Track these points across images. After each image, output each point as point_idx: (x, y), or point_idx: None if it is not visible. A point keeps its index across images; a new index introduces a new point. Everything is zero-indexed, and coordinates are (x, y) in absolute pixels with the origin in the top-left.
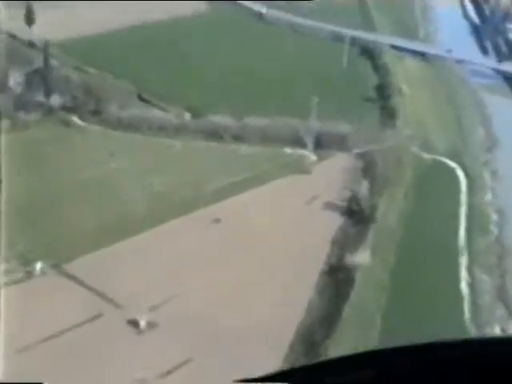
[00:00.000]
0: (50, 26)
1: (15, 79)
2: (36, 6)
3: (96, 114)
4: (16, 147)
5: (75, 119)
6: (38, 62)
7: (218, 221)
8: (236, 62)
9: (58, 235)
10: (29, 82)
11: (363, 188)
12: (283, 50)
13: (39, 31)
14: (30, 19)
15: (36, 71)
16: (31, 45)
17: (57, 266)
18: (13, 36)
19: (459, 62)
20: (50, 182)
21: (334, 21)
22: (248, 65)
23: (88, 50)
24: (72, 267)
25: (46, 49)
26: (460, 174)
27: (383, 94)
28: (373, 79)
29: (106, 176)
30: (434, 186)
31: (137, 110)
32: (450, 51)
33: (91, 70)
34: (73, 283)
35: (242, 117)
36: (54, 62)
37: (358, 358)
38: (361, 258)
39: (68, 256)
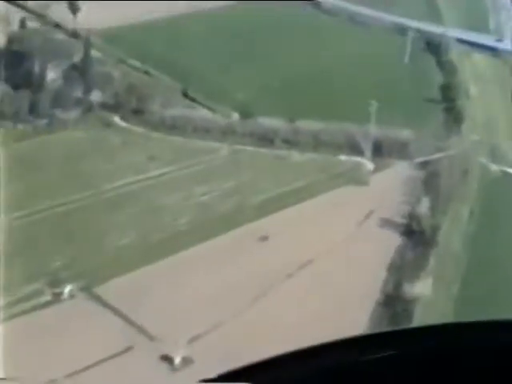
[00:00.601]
0: (95, 12)
1: (54, 74)
2: None
3: (138, 113)
4: (53, 149)
5: (116, 119)
6: (80, 55)
7: (265, 238)
8: (290, 57)
9: (92, 252)
10: (67, 77)
11: (425, 204)
12: (341, 43)
13: (84, 18)
14: (74, 6)
15: (75, 65)
16: (74, 35)
17: (87, 289)
18: (56, 25)
19: None
20: (86, 192)
21: (396, 10)
22: (302, 60)
23: (133, 40)
24: (103, 290)
25: (87, 41)
26: None
27: (448, 95)
28: (438, 78)
29: (145, 184)
30: (502, 203)
31: (181, 110)
32: (499, 41)
33: (136, 63)
34: (103, 309)
35: (295, 120)
36: (96, 54)
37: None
38: (421, 287)
39: (100, 277)
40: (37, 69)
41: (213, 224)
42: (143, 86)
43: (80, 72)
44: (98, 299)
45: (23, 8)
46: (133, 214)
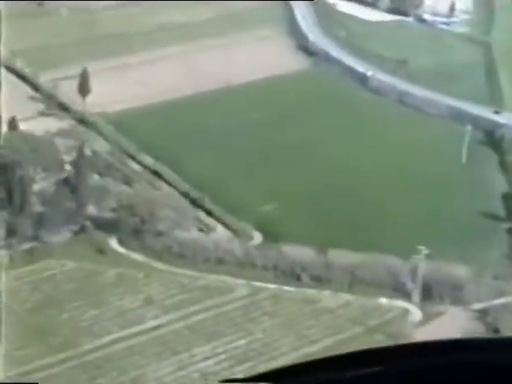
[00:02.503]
0: (107, 94)
1: (41, 187)
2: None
3: (139, 235)
4: (27, 288)
5: (113, 243)
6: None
7: None
8: (324, 154)
9: None
10: (57, 192)
11: None
12: (385, 134)
13: (94, 100)
14: (84, 87)
15: (67, 179)
16: (83, 121)
17: None
18: (65, 108)
19: None
20: (61, 353)
21: (453, 90)
22: (337, 158)
23: (148, 127)
24: None
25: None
26: None
27: None
28: (500, 185)
29: (135, 342)
30: None
31: (192, 233)
32: None
33: (148, 161)
34: None
35: (326, 249)
36: (104, 146)
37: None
38: None
39: None
40: (21, 182)
41: None
42: (148, 198)
43: (72, 186)
44: None
45: (31, 85)
46: None
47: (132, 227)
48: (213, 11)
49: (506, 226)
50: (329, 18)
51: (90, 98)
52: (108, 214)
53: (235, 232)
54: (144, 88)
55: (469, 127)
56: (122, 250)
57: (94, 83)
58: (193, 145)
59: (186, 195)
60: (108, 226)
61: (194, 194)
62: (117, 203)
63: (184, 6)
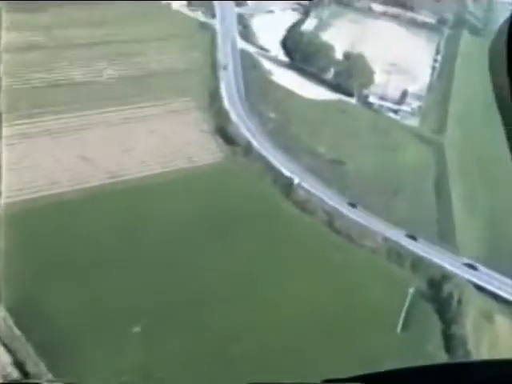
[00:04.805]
0: None
1: None
2: None
3: None
4: None
5: None
6: None
7: None
8: (219, 316)
9: None
10: None
11: None
12: (304, 281)
13: None
14: None
15: None
16: None
17: None
18: None
19: None
20: None
21: (394, 205)
22: (239, 320)
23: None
24: None
25: None
26: None
27: None
28: None
29: None
30: None
31: None
32: None
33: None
34: None
35: None
36: None
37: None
38: None
39: None
40: None
41: None
42: None
43: None
44: None
45: None
46: None
47: None
48: (120, 68)
49: None
50: (259, 92)
51: None
52: None
53: None
54: (7, 176)
55: (411, 290)
56: None
57: None
58: (53, 277)
59: (20, 366)
60: None
61: (31, 367)
62: None
63: (87, 58)
